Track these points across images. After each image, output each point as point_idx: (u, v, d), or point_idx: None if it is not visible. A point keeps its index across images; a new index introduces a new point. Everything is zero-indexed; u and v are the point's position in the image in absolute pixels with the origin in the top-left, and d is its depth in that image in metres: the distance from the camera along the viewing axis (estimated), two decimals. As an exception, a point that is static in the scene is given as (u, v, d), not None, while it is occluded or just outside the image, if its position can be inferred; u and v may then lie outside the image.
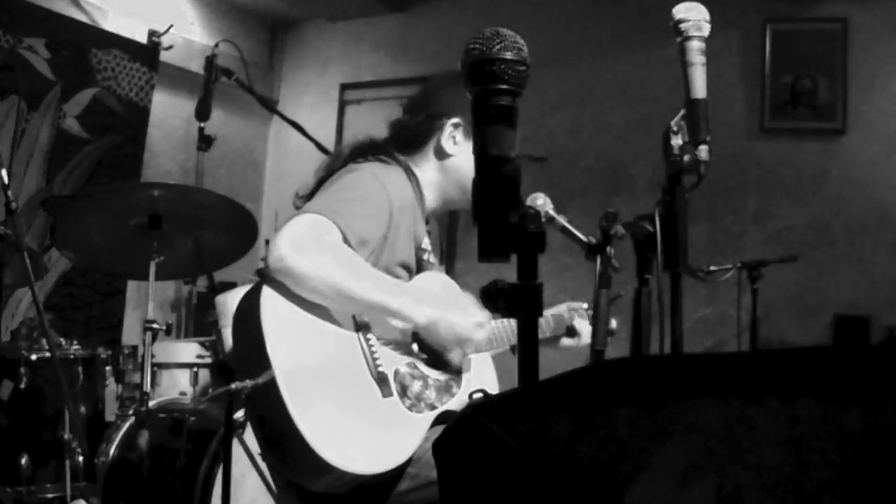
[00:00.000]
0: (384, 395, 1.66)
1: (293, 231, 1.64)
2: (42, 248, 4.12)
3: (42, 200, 4.21)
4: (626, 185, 4.51)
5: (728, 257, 3.62)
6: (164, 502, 2.59)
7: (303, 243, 1.62)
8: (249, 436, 2.22)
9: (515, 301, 1.05)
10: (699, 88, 1.29)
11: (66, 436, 2.57)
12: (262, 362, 1.54)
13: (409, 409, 1.69)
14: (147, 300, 2.68)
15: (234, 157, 5.45)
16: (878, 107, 4.13)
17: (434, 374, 1.79)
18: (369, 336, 1.70)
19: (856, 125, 4.16)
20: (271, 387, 1.52)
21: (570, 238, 1.47)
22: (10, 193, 2.35)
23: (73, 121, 4.43)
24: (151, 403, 2.68)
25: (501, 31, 1.06)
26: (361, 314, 1.70)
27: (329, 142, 3.76)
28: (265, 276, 1.66)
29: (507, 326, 1.99)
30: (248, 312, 1.62)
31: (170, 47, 4.83)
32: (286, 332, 1.60)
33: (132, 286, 4.66)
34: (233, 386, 1.54)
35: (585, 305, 2.26)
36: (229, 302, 2.78)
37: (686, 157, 1.27)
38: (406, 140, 1.94)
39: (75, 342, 2.98)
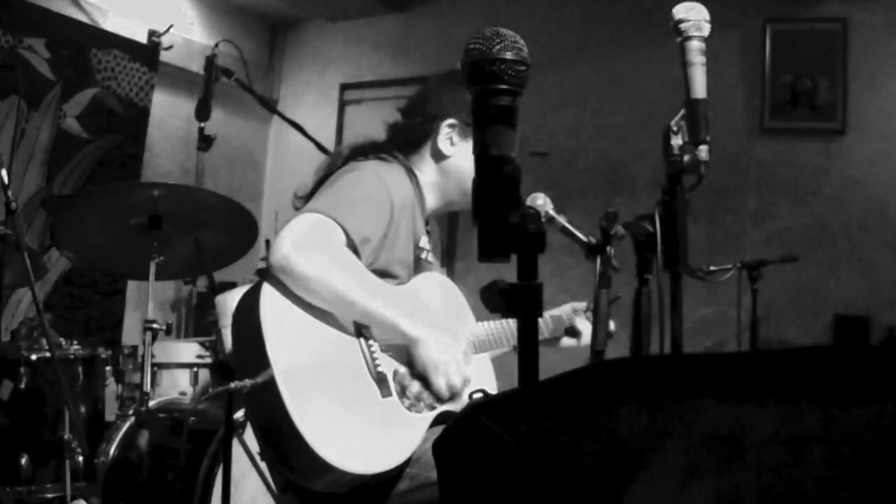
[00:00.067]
0: (383, 395, 1.66)
1: (296, 231, 1.64)
2: (42, 248, 4.12)
3: (42, 200, 4.22)
4: (626, 185, 4.51)
5: (728, 257, 3.62)
6: (164, 502, 2.59)
7: (305, 244, 1.62)
8: (249, 436, 2.23)
9: (515, 301, 1.05)
10: (699, 88, 1.28)
11: (66, 436, 2.57)
12: (262, 361, 1.54)
13: (409, 409, 1.69)
14: (147, 300, 2.68)
15: (234, 157, 5.45)
16: (878, 107, 4.13)
17: None
18: (369, 337, 1.71)
19: (856, 125, 4.16)
20: (270, 386, 1.52)
21: (570, 238, 1.47)
22: (10, 193, 2.35)
23: (73, 121, 4.43)
24: (151, 403, 2.68)
25: (501, 31, 1.06)
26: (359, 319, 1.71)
27: (329, 142, 3.76)
28: (266, 275, 1.66)
29: (507, 327, 1.99)
30: (248, 311, 1.62)
31: (170, 47, 4.83)
32: (286, 331, 1.60)
33: (132, 286, 4.66)
34: (232, 385, 1.54)
35: (587, 306, 2.26)
36: (229, 302, 2.78)
37: (686, 157, 1.27)
38: (404, 142, 1.95)
39: (75, 342, 2.98)
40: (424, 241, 1.94)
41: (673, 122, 1.29)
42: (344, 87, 5.60)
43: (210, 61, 3.54)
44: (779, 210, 4.27)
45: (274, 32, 5.86)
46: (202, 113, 3.61)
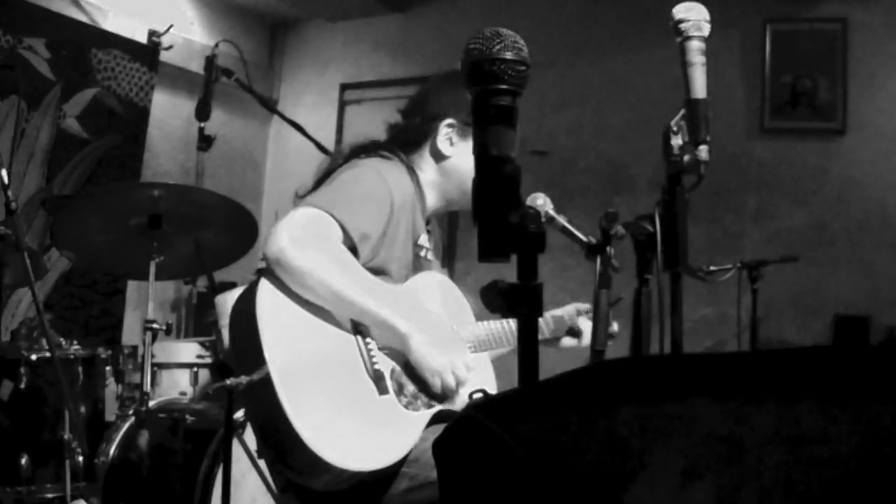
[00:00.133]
0: (380, 393, 1.66)
1: (294, 224, 1.64)
2: (42, 248, 4.12)
3: (42, 200, 4.21)
4: (626, 185, 4.51)
5: (728, 257, 3.62)
6: (164, 502, 2.59)
7: (302, 238, 1.62)
8: (249, 436, 2.23)
9: (515, 301, 1.05)
10: (699, 88, 1.29)
11: (66, 436, 2.57)
12: (258, 358, 1.54)
13: (406, 406, 1.69)
14: (147, 300, 2.68)
15: (234, 157, 5.45)
16: (878, 107, 4.13)
17: None
18: (367, 335, 1.70)
19: (856, 125, 4.16)
20: (267, 384, 1.52)
21: (570, 238, 1.47)
22: (10, 193, 2.35)
23: (73, 121, 4.43)
24: (151, 403, 2.68)
25: (501, 31, 1.06)
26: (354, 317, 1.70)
27: (329, 142, 3.75)
28: (263, 272, 1.66)
29: (508, 327, 1.99)
30: (245, 307, 1.62)
31: (170, 47, 4.83)
32: (282, 328, 1.60)
33: (132, 286, 4.66)
34: (227, 382, 1.53)
35: (591, 307, 2.25)
36: (229, 302, 2.76)
37: (686, 157, 1.27)
38: (404, 142, 1.95)
39: (75, 342, 2.97)
40: (424, 239, 1.94)
41: (673, 122, 1.29)
42: (344, 87, 5.59)
43: (210, 61, 3.54)
44: (779, 210, 4.27)
45: (274, 32, 5.85)
46: (202, 113, 3.61)
